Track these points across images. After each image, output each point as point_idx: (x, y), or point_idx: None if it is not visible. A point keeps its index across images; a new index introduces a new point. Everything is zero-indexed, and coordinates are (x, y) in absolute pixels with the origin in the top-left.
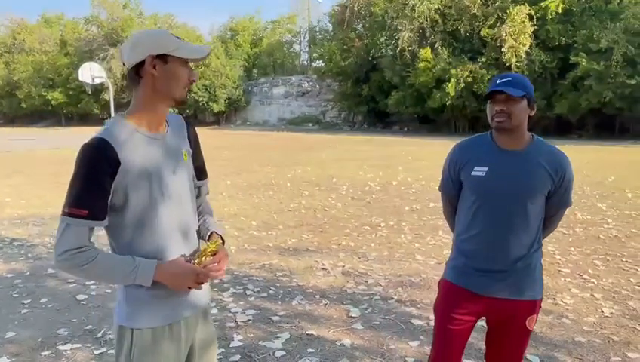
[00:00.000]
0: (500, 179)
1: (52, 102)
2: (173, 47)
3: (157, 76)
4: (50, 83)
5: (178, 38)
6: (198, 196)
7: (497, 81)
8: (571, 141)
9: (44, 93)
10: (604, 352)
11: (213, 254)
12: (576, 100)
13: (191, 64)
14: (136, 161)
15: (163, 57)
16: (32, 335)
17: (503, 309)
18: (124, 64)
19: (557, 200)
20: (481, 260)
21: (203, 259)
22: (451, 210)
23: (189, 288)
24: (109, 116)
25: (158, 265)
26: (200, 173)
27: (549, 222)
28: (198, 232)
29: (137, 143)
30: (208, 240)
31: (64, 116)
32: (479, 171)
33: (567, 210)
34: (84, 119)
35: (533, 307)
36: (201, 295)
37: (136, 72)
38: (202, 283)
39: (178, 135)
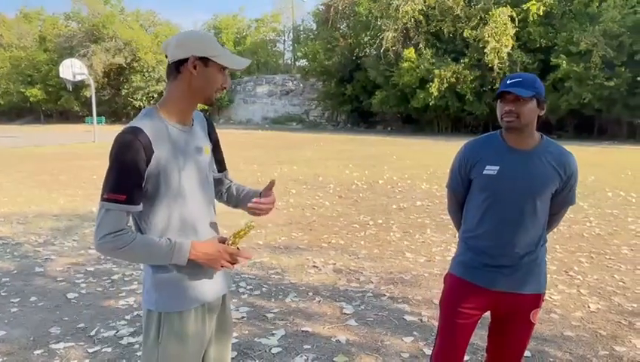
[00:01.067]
0: (511, 178)
1: (31, 99)
2: (217, 54)
3: (195, 76)
4: (29, 79)
5: (223, 45)
6: (222, 183)
7: (508, 81)
8: None
9: (23, 90)
10: (593, 346)
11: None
12: (556, 101)
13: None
14: (167, 151)
15: (205, 60)
16: (24, 334)
17: (508, 303)
18: (166, 56)
19: (562, 198)
20: (489, 256)
21: (237, 240)
22: (457, 208)
23: (222, 266)
24: (90, 113)
25: (193, 244)
26: (220, 165)
27: (552, 219)
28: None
29: (168, 134)
30: (260, 196)
31: (43, 113)
32: (491, 170)
33: None
34: (64, 116)
35: (537, 300)
36: (222, 281)
37: (177, 67)
38: (235, 263)
39: (201, 130)
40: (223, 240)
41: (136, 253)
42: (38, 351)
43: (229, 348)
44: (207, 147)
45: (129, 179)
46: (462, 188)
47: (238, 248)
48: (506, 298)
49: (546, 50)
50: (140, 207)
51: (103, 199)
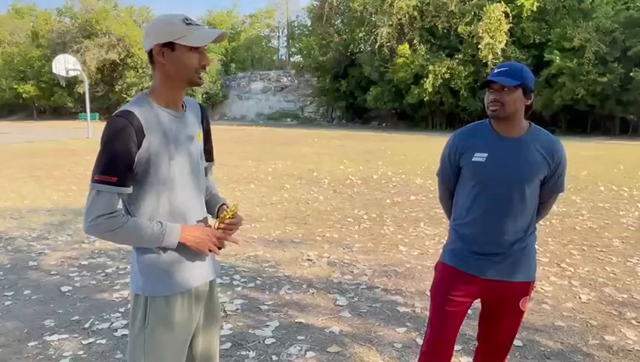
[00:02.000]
0: (499, 165)
1: (24, 95)
2: (180, 35)
3: (166, 63)
4: (22, 75)
5: (189, 23)
6: (205, 175)
7: (495, 71)
8: None
9: (15, 86)
10: (583, 336)
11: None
12: (550, 97)
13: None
14: (158, 135)
15: (170, 45)
16: (17, 326)
17: (498, 291)
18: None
19: (551, 185)
20: (479, 243)
21: (222, 224)
22: (448, 196)
23: (210, 251)
24: (84, 109)
25: (183, 228)
26: (209, 155)
27: (542, 207)
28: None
29: (159, 119)
30: (218, 211)
31: (36, 109)
32: (479, 157)
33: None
34: (57, 112)
35: (527, 288)
36: (210, 267)
37: (150, 58)
38: (221, 248)
39: (194, 117)
40: (209, 226)
41: (128, 236)
42: (33, 343)
43: (217, 337)
44: (200, 133)
45: (120, 161)
46: (452, 176)
47: (226, 223)
48: (496, 286)
49: (540, 45)
50: (130, 190)
51: (93, 181)
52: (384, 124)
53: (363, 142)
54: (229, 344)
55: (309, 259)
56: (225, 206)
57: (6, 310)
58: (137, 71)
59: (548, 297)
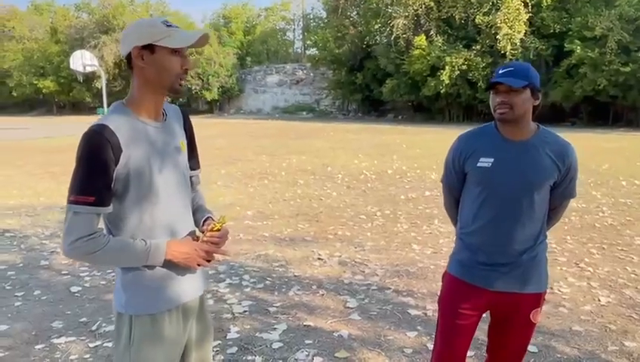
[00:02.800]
0: (506, 170)
1: (43, 91)
2: (160, 37)
3: (145, 67)
4: (41, 71)
5: (169, 26)
6: (191, 185)
7: (500, 71)
8: (565, 129)
9: (35, 82)
10: (602, 341)
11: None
12: (570, 88)
13: (187, 51)
14: (137, 149)
15: (150, 47)
16: (26, 328)
17: (507, 303)
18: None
19: (562, 190)
20: (486, 253)
21: (211, 235)
22: (453, 203)
23: (199, 265)
24: (102, 105)
25: (169, 244)
26: (194, 163)
27: (553, 213)
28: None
29: (138, 131)
30: (203, 225)
31: (56, 105)
32: (485, 162)
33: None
34: (76, 108)
35: (537, 300)
36: (198, 281)
37: (129, 63)
38: (210, 260)
39: (176, 125)
40: (196, 239)
41: (110, 257)
42: (40, 346)
43: (210, 350)
44: (183, 141)
45: (97, 180)
46: (457, 182)
47: (211, 239)
48: (505, 298)
49: (560, 35)
50: (110, 209)
51: (69, 201)
52: (400, 117)
53: (378, 135)
54: (236, 348)
55: (319, 258)
56: (211, 218)
57: (16, 311)
58: None
59: (565, 299)
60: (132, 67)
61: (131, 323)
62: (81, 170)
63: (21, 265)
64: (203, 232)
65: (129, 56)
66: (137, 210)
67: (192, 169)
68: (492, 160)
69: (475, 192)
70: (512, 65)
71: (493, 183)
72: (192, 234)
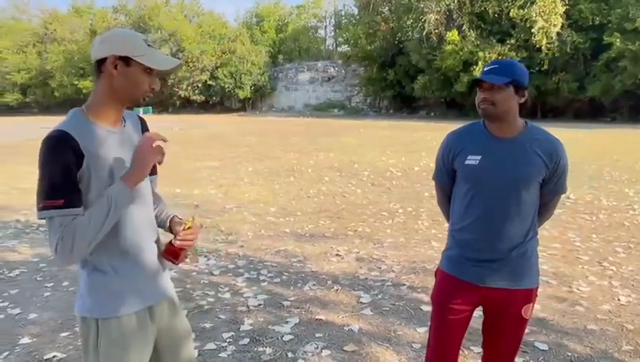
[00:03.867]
0: (493, 167)
1: (83, 91)
2: (139, 53)
3: (116, 76)
4: (81, 72)
5: (150, 45)
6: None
7: (484, 69)
8: (604, 124)
9: (76, 82)
10: (617, 341)
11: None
12: (609, 82)
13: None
14: (98, 154)
15: (126, 60)
16: (53, 316)
17: (499, 299)
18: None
19: (551, 187)
20: (476, 250)
21: (183, 234)
22: (445, 200)
23: (160, 162)
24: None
25: (123, 177)
26: (152, 168)
27: (543, 209)
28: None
29: (97, 136)
30: (170, 223)
31: None
32: (472, 160)
33: (592, 195)
34: None
35: (529, 296)
36: (165, 284)
37: (99, 66)
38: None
39: (134, 132)
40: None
41: (89, 231)
42: (65, 334)
43: (190, 352)
44: None
45: (64, 183)
46: (447, 179)
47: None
48: (496, 294)
49: (599, 28)
50: (81, 210)
51: (39, 209)
52: (432, 113)
53: (409, 132)
54: (247, 339)
55: (337, 255)
56: (177, 217)
57: (45, 301)
58: (188, 65)
59: (583, 298)
60: (101, 71)
61: (98, 326)
62: (45, 176)
63: (52, 257)
64: (174, 233)
65: (101, 61)
66: None
67: (150, 174)
68: (479, 157)
69: (464, 189)
70: (497, 63)
71: (481, 180)
72: (157, 237)
